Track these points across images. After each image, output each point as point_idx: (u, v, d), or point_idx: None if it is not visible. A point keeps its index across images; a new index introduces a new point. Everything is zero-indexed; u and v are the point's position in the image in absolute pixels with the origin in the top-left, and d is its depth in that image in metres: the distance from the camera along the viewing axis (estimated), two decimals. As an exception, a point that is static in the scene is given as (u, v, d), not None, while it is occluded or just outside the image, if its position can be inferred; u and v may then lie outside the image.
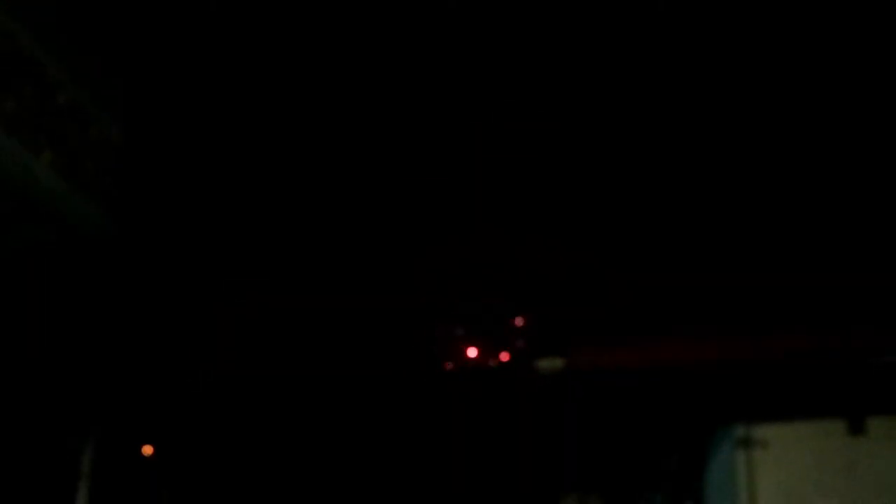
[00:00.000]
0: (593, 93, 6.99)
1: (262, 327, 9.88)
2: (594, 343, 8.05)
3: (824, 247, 7.57)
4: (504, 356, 8.45)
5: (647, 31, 6.44)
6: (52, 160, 6.50)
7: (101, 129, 6.67)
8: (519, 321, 8.49)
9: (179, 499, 12.79)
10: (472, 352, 8.86)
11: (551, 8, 6.35)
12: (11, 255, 7.16)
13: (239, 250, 8.97)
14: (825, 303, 7.24)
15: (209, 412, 11.73)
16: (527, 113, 7.23)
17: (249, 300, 9.60)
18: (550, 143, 7.24)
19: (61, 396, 10.30)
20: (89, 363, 9.94)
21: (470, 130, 7.36)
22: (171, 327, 10.04)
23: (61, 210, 6.56)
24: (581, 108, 7.12)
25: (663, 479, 9.29)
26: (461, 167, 7.85)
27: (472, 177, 7.88)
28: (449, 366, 9.27)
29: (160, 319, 9.70)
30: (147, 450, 12.69)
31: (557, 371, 8.24)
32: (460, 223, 8.43)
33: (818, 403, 7.64)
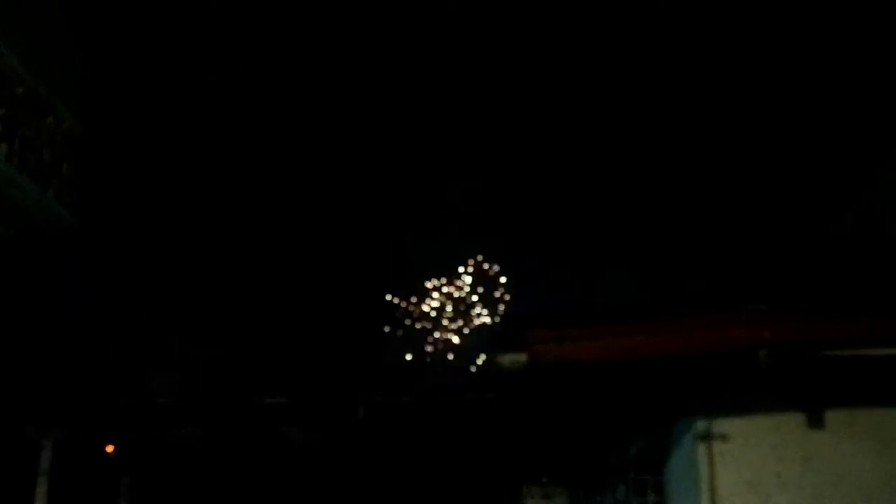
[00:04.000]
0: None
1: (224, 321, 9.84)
2: (556, 337, 8.07)
3: (781, 241, 7.66)
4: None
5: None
6: (8, 151, 6.40)
7: (58, 120, 6.58)
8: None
9: (138, 497, 12.67)
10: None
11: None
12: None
13: (200, 239, 8.91)
14: (784, 295, 7.32)
15: (169, 409, 11.64)
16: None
17: (212, 296, 9.53)
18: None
19: (20, 394, 10.16)
20: (49, 359, 9.81)
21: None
22: (132, 321, 9.93)
23: (18, 202, 6.46)
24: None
25: (626, 472, 9.35)
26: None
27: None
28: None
29: (122, 313, 9.60)
30: (108, 449, 12.56)
31: (520, 366, 8.24)
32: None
33: (778, 397, 7.72)
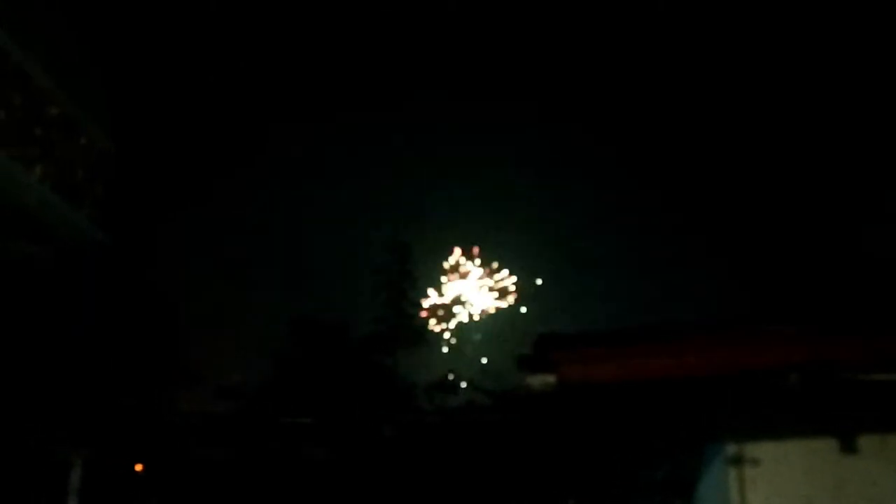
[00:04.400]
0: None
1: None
2: (584, 358, 8.05)
3: (815, 261, 7.59)
4: None
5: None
6: (43, 172, 6.50)
7: (91, 140, 6.66)
8: None
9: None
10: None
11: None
12: (1, 267, 7.13)
13: (231, 257, 8.98)
14: (816, 315, 7.24)
15: (199, 428, 11.69)
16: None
17: (242, 311, 9.59)
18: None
19: (51, 411, 10.24)
20: (80, 376, 9.89)
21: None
22: (162, 340, 9.99)
23: (52, 221, 6.55)
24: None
25: (654, 495, 9.27)
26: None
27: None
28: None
29: (151, 332, 9.66)
30: (138, 468, 12.64)
31: (548, 387, 8.23)
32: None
33: (810, 421, 7.63)
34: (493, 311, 19.14)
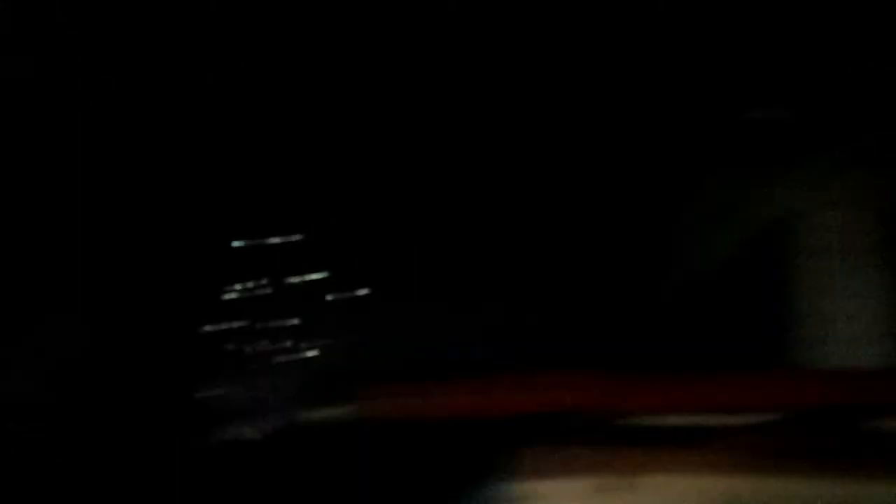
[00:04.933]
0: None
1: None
2: (383, 391, 8.07)
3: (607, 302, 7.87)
4: None
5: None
6: None
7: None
8: None
9: None
10: None
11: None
12: None
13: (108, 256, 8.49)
14: (595, 359, 7.53)
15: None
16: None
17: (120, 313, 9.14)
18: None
19: None
20: None
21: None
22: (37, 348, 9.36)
23: None
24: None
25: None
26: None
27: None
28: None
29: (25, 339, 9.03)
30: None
31: (338, 420, 8.19)
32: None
33: (586, 460, 7.85)
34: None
